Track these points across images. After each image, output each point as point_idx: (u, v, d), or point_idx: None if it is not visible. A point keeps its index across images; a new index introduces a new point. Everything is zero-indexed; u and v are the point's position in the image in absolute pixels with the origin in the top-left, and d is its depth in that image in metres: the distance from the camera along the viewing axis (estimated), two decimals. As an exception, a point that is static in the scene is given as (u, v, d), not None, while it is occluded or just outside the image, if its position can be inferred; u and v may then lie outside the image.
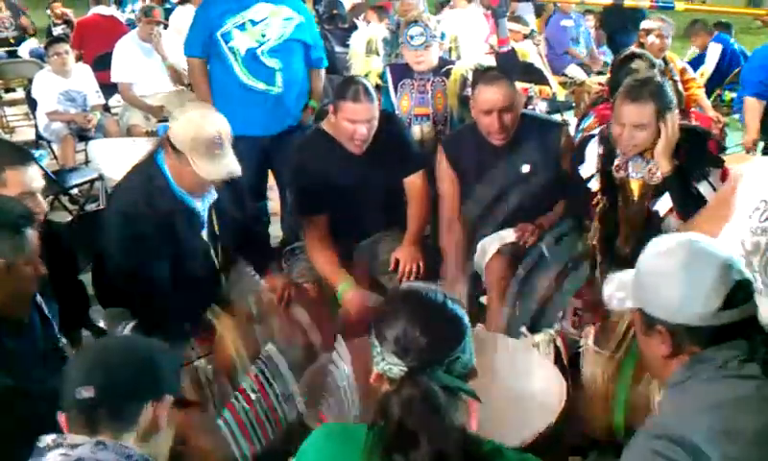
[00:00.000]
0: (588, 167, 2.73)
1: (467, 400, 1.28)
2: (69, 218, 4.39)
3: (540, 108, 5.39)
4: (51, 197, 4.40)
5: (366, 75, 3.60)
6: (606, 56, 7.36)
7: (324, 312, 2.82)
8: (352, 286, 2.78)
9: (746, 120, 4.58)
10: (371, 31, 4.29)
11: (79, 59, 5.94)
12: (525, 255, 2.85)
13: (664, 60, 4.57)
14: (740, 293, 1.36)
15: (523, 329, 2.77)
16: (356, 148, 2.87)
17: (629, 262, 1.60)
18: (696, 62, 6.10)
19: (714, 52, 6.27)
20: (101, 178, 4.53)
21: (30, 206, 2.09)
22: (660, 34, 4.76)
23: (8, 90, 7.90)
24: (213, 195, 2.54)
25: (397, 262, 2.91)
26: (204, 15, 3.64)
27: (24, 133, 6.58)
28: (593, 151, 2.71)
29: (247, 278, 2.77)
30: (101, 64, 5.84)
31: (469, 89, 3.21)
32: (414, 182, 3.05)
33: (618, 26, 7.46)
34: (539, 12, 7.62)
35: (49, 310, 2.12)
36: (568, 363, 2.42)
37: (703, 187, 2.53)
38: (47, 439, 1.34)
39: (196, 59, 3.69)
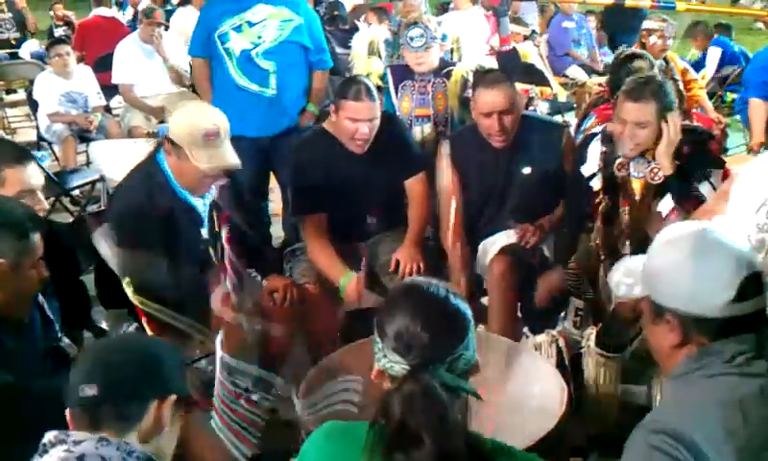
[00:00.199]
0: (591, 166, 2.72)
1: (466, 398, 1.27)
2: (70, 219, 4.40)
3: (541, 109, 5.38)
4: (52, 198, 4.40)
5: (367, 76, 3.59)
6: (607, 57, 7.33)
7: (325, 312, 2.82)
8: (353, 278, 2.78)
9: (751, 122, 4.54)
10: (373, 32, 4.27)
11: (80, 60, 5.93)
12: (526, 256, 2.85)
13: (665, 59, 4.56)
14: (753, 285, 1.34)
15: (525, 330, 2.77)
16: (358, 147, 2.86)
17: (631, 262, 1.59)
18: (696, 65, 6.08)
19: (714, 55, 6.27)
20: (102, 179, 4.53)
21: (30, 204, 2.10)
22: (663, 34, 4.74)
23: (9, 92, 7.90)
24: (213, 194, 2.55)
25: (398, 263, 2.90)
26: (205, 16, 3.66)
27: (25, 135, 6.58)
28: (596, 149, 2.70)
29: (248, 278, 2.76)
30: (102, 66, 5.84)
31: (470, 91, 3.20)
32: (415, 184, 3.04)
33: (619, 27, 7.46)
34: (542, 11, 7.63)
35: (50, 310, 2.12)
36: (570, 364, 2.42)
37: (704, 188, 2.52)
38: (50, 435, 1.35)
39: (198, 59, 3.73)
